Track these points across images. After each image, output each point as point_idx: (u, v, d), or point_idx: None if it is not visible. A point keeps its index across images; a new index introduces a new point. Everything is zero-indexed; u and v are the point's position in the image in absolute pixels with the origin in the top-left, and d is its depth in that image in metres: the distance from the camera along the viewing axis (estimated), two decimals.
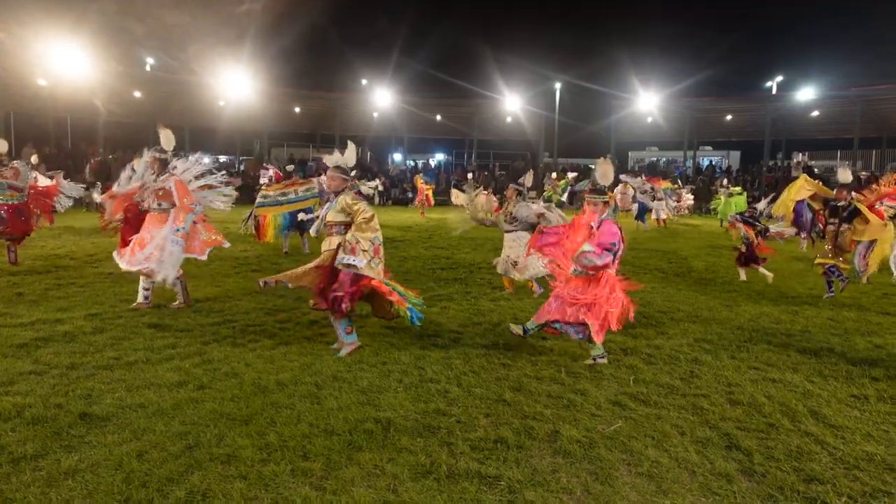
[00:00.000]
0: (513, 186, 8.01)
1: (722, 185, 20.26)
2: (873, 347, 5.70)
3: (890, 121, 31.47)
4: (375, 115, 35.53)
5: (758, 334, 6.08)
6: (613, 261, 4.97)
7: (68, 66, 23.38)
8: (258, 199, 11.02)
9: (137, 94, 29.12)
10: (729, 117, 35.17)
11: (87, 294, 7.14)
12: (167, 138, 6.85)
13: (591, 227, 5.09)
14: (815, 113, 32.47)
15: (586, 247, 4.93)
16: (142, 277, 6.54)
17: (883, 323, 6.71)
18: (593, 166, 36.79)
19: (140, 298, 6.60)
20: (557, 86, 34.80)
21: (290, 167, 16.76)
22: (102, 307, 6.50)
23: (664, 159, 40.35)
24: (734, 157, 40.46)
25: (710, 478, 3.19)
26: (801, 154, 38.29)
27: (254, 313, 6.43)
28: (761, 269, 9.13)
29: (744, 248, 9.33)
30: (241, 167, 33.61)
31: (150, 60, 29.75)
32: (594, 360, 5.01)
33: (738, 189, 19.75)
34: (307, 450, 3.35)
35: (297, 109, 34.66)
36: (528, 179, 8.26)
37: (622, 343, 5.59)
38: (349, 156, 5.65)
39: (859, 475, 3.24)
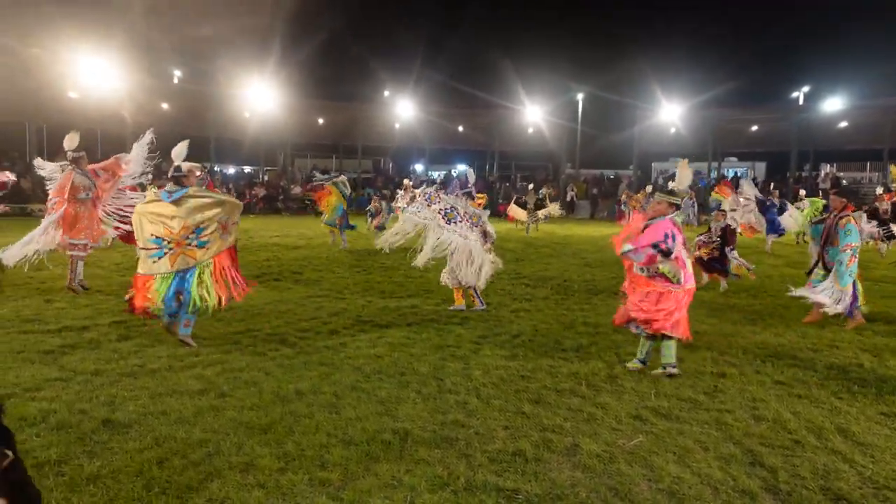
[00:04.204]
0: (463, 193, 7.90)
1: (799, 199, 17.28)
2: None
3: None
4: (397, 125, 35.77)
5: (783, 349, 5.95)
6: (666, 259, 4.86)
7: (98, 78, 23.94)
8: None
9: (165, 105, 29.70)
10: (754, 128, 34.72)
11: (114, 302, 7.25)
12: (70, 140, 7.86)
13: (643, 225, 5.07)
14: (844, 123, 31.92)
15: (626, 246, 4.94)
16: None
17: None
18: (613, 176, 36.66)
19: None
20: (580, 96, 34.71)
21: (407, 181, 17.66)
22: (128, 315, 6.59)
23: None
24: (759, 169, 39.87)
25: (734, 495, 3.12)
26: (829, 165, 37.63)
27: (275, 322, 6.48)
28: None
29: None
30: (265, 177, 34.09)
31: (177, 73, 30.36)
32: (664, 368, 4.97)
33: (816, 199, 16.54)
34: (325, 459, 3.36)
35: (321, 120, 35.02)
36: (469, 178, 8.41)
37: None
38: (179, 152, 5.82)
39: (890, 495, 3.14)
